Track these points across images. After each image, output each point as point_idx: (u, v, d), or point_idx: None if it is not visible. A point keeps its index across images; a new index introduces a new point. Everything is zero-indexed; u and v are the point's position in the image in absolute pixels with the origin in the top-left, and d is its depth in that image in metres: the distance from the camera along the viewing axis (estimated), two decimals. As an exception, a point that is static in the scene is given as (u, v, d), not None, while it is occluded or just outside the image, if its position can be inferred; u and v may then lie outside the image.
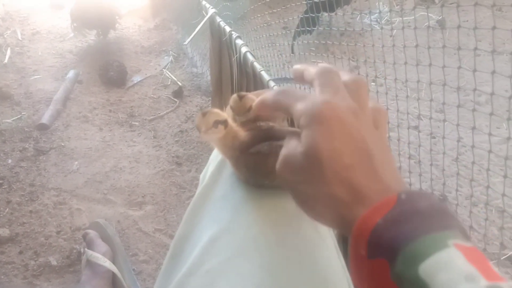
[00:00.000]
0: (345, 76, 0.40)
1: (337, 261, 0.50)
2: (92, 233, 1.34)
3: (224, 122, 0.49)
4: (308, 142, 0.36)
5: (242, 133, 0.51)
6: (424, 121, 1.70)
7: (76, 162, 1.74)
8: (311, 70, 0.41)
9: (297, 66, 0.44)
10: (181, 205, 1.54)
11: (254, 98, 0.52)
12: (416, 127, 1.66)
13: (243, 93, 0.52)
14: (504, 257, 1.26)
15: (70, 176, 1.67)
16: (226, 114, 0.51)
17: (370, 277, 0.31)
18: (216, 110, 0.50)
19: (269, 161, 0.48)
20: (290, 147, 0.38)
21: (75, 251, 1.36)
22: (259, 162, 0.50)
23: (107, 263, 1.23)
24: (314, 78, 0.40)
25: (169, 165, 1.73)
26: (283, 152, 0.39)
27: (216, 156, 0.60)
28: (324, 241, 0.50)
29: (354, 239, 0.33)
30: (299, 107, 0.38)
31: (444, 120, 0.83)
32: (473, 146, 0.72)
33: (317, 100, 0.37)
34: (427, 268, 0.28)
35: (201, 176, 0.62)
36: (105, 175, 1.68)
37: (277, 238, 0.46)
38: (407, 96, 0.97)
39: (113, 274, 1.23)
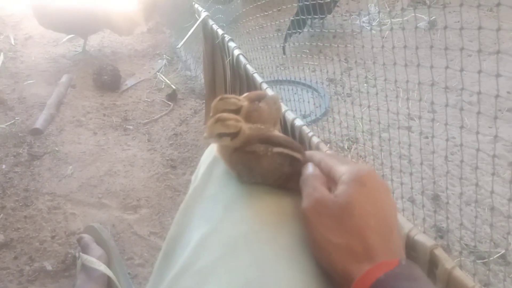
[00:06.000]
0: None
1: None
2: (87, 237, 1.34)
3: (231, 135, 0.51)
4: (347, 195, 0.43)
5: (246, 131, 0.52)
6: (416, 121, 1.72)
7: (70, 167, 1.74)
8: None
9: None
10: (176, 208, 1.54)
11: (236, 102, 0.57)
12: (408, 127, 1.67)
13: (227, 95, 0.55)
14: (496, 256, 1.27)
15: (65, 180, 1.67)
16: (242, 124, 0.52)
17: None
18: (229, 122, 0.51)
19: (263, 162, 0.52)
20: (323, 193, 0.44)
21: (70, 255, 1.36)
22: (253, 161, 0.52)
23: (102, 267, 1.23)
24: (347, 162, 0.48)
25: (164, 168, 1.73)
26: (316, 195, 0.45)
27: (207, 157, 0.61)
28: None
29: None
30: (344, 167, 0.46)
31: (433, 119, 0.84)
32: (461, 145, 0.74)
33: (363, 166, 0.45)
34: None
35: (193, 177, 0.62)
36: (99, 179, 1.68)
37: (268, 236, 0.47)
38: (397, 97, 0.98)
39: (108, 278, 1.23)
